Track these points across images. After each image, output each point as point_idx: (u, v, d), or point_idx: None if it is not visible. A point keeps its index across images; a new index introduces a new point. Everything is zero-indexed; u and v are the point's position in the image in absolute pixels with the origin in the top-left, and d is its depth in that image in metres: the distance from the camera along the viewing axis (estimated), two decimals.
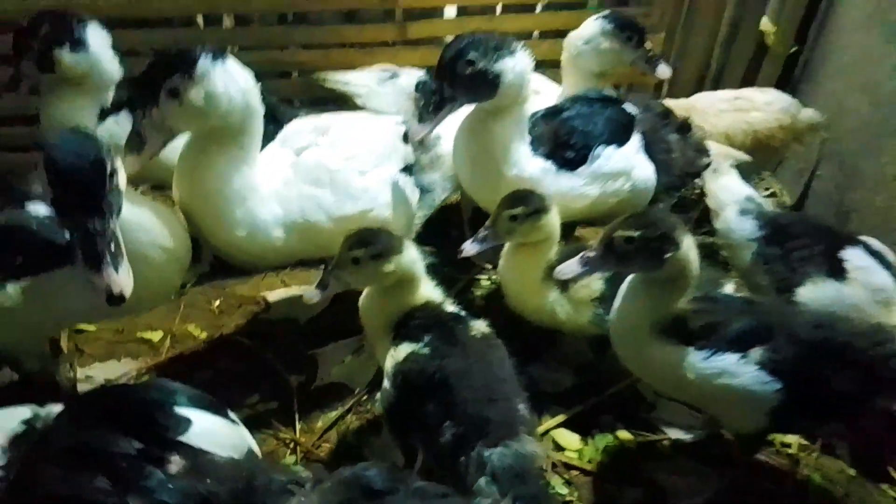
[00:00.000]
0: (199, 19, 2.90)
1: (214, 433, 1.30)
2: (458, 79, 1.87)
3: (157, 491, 1.16)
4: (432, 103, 1.89)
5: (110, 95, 2.24)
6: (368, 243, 1.65)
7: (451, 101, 1.89)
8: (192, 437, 1.27)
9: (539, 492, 1.45)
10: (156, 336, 2.28)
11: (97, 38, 2.14)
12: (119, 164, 1.51)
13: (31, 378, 1.85)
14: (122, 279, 1.43)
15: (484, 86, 1.89)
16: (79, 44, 2.10)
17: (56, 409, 1.36)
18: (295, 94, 2.96)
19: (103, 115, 2.23)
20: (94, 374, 2.12)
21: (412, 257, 1.71)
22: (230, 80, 1.69)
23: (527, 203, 1.87)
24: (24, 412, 1.36)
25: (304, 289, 2.39)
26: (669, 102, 2.70)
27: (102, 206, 1.43)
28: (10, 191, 1.71)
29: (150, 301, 1.79)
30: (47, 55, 2.08)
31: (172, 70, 1.63)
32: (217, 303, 2.43)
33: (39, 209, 1.67)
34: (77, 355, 2.19)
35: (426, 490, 1.27)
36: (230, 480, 1.24)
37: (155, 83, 1.64)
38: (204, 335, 2.30)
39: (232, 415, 1.42)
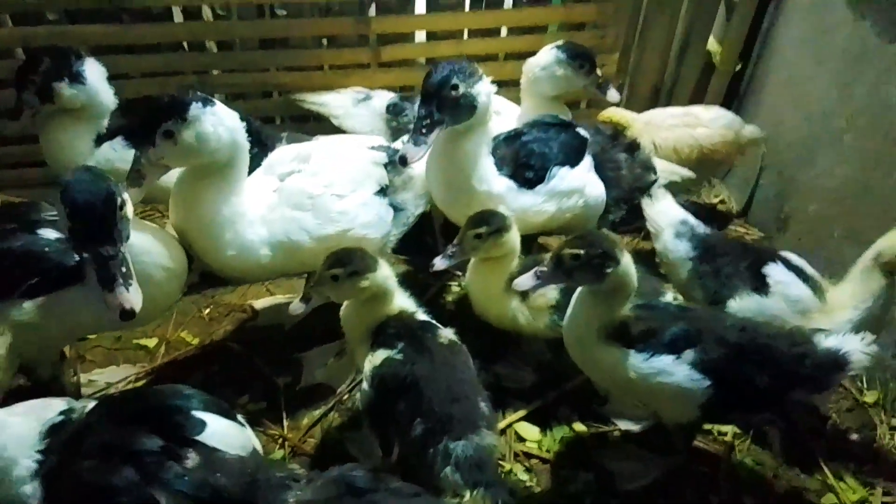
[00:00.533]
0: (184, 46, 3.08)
1: (225, 434, 1.49)
2: (445, 103, 2.05)
3: (175, 482, 1.35)
4: (423, 127, 2.04)
5: (105, 122, 2.42)
6: (345, 263, 1.85)
7: (439, 124, 2.06)
8: (206, 436, 1.45)
9: (495, 478, 1.65)
10: (151, 343, 2.47)
11: (94, 72, 2.32)
12: (126, 195, 1.71)
13: (41, 384, 2.03)
14: (133, 297, 1.64)
15: (465, 108, 2.09)
16: (77, 78, 2.28)
17: (90, 403, 1.54)
18: (276, 112, 3.15)
19: (99, 140, 2.41)
20: (96, 378, 2.30)
21: (385, 274, 1.91)
22: (218, 122, 1.89)
23: (489, 223, 2.08)
24: (60, 404, 1.53)
25: (288, 297, 2.64)
26: (627, 114, 2.94)
27: (114, 234, 1.64)
28: (22, 218, 1.88)
29: (153, 314, 1.99)
30: (48, 88, 2.26)
31: (167, 115, 1.83)
32: (207, 311, 2.62)
33: (49, 234, 1.85)
34: (79, 361, 2.38)
35: (402, 489, 1.49)
36: (237, 475, 1.42)
37: (151, 127, 1.83)
38: (196, 341, 2.49)
39: (240, 418, 1.61)
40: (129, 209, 1.71)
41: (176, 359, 2.41)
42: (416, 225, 2.45)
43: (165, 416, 1.46)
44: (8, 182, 3.06)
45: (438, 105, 2.05)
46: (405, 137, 2.20)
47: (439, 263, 2.12)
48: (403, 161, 2.04)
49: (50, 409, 1.51)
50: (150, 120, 1.83)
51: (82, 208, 1.61)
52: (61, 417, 1.48)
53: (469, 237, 2.08)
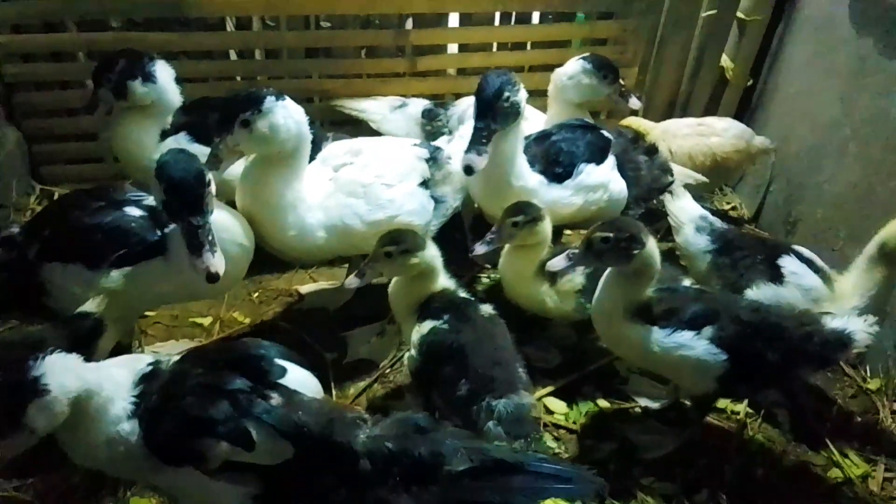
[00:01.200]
0: (233, 53, 3.30)
1: (301, 380, 1.68)
2: (498, 112, 2.25)
3: (264, 416, 1.53)
4: (483, 137, 2.22)
5: (170, 119, 2.64)
6: (398, 241, 2.06)
7: (494, 132, 2.26)
8: (286, 381, 1.64)
9: (532, 431, 1.86)
10: (206, 321, 2.67)
11: (164, 73, 2.55)
12: (210, 175, 1.93)
13: (116, 351, 2.22)
14: (218, 262, 1.86)
15: (512, 115, 2.30)
16: (149, 77, 2.51)
17: (174, 357, 1.72)
18: (317, 117, 3.35)
19: (164, 135, 2.62)
20: (157, 350, 2.47)
21: (433, 253, 2.12)
22: (288, 115, 2.12)
23: (526, 212, 2.28)
24: (148, 357, 1.71)
25: (331, 283, 2.83)
26: (645, 122, 3.15)
27: (202, 206, 1.86)
28: (110, 197, 2.10)
29: (226, 286, 2.20)
30: (122, 86, 2.48)
31: (245, 107, 2.06)
32: (256, 294, 2.83)
33: (134, 211, 2.07)
34: (142, 335, 2.58)
35: (457, 432, 1.68)
36: (316, 413, 1.58)
37: (230, 116, 2.06)
38: (248, 320, 2.69)
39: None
40: (213, 187, 1.93)
41: (230, 335, 2.60)
42: (447, 223, 2.65)
43: (250, 362, 1.65)
44: (65, 177, 3.27)
45: (493, 115, 2.24)
46: (453, 145, 2.40)
47: (479, 248, 2.32)
48: (469, 171, 2.23)
49: (141, 361, 1.69)
50: (229, 110, 2.06)
51: (177, 183, 1.83)
52: (151, 367, 1.66)
53: (507, 225, 2.28)
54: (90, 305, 1.90)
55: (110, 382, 1.58)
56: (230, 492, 1.56)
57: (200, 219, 1.86)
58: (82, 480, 2.02)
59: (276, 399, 1.58)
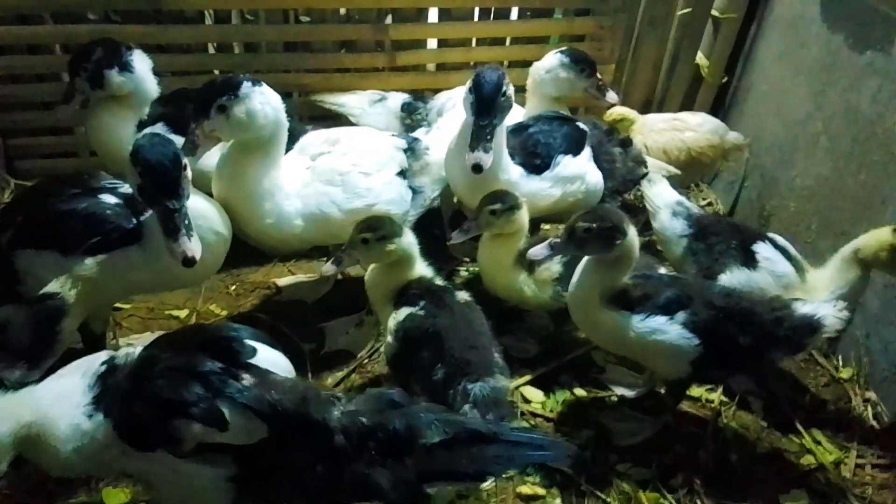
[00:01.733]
0: (212, 47, 3.30)
1: (273, 360, 1.68)
2: (498, 108, 2.25)
3: (236, 395, 1.52)
4: (487, 134, 2.21)
5: (147, 110, 2.63)
6: (375, 228, 2.07)
7: (495, 127, 2.26)
8: (258, 361, 1.63)
9: (508, 413, 1.87)
10: (182, 314, 2.66)
11: (141, 63, 2.54)
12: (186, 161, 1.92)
13: (90, 341, 2.20)
14: (195, 246, 1.86)
15: (507, 108, 2.32)
16: (126, 67, 2.49)
17: (133, 348, 1.69)
18: (296, 112, 3.35)
19: (141, 126, 2.60)
20: (133, 342, 2.43)
21: (410, 240, 2.12)
22: (265, 101, 2.12)
23: (504, 200, 2.29)
24: (102, 356, 1.69)
25: (308, 276, 2.83)
26: (631, 111, 3.18)
27: (179, 190, 1.85)
28: (85, 183, 2.08)
29: (203, 275, 2.19)
30: (99, 75, 2.47)
31: (222, 92, 2.06)
32: (233, 287, 2.82)
33: (110, 199, 2.05)
34: (117, 328, 2.56)
35: (430, 406, 1.69)
36: (289, 392, 1.57)
37: (207, 101, 2.06)
38: (224, 313, 2.68)
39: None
40: (189, 172, 1.92)
41: None
42: (426, 217, 2.66)
43: (221, 344, 1.64)
44: (41, 172, 3.23)
45: (494, 111, 2.24)
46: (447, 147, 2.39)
47: (456, 237, 2.34)
48: (478, 169, 2.21)
49: (94, 361, 1.66)
50: (206, 96, 2.06)
51: (154, 165, 1.82)
52: (106, 366, 1.63)
53: (485, 213, 2.29)
54: (54, 285, 1.87)
55: (53, 400, 1.56)
56: (205, 473, 1.55)
57: (177, 202, 1.85)
58: None
59: (247, 379, 1.57)
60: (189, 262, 1.84)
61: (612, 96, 2.94)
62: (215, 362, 1.57)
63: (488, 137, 2.23)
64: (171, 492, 1.61)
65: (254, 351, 1.65)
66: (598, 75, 2.91)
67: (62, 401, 1.57)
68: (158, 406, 1.53)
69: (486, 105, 2.23)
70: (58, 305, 1.84)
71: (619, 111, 3.18)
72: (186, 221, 1.86)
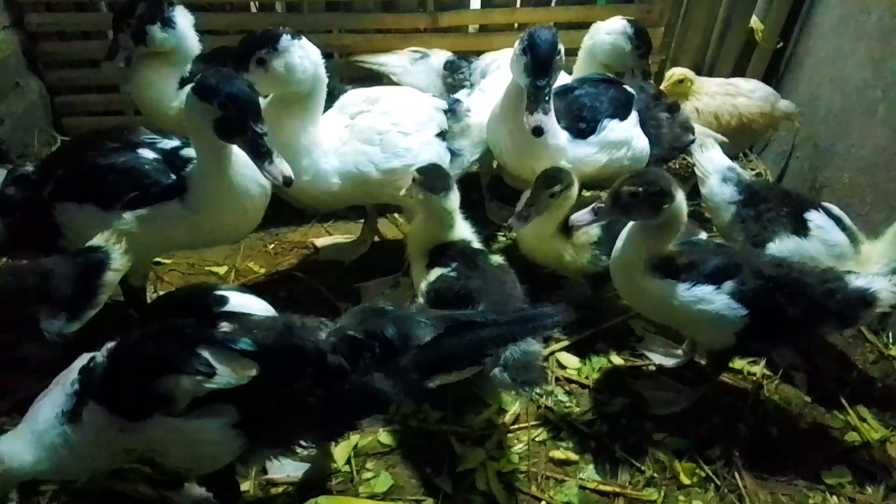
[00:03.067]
0: (254, 6, 3.28)
1: (248, 304, 1.68)
2: (554, 69, 2.20)
3: (218, 339, 1.51)
4: (546, 96, 2.16)
5: (188, 67, 2.63)
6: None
7: (552, 88, 2.21)
8: (233, 307, 1.63)
9: (538, 377, 1.82)
10: (222, 270, 2.69)
11: (183, 19, 2.54)
12: None
13: (130, 294, 2.23)
14: (288, 168, 1.87)
15: (560, 69, 2.26)
16: (168, 23, 2.50)
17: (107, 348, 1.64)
18: (337, 73, 3.33)
19: (183, 83, 2.61)
20: None
21: (453, 198, 2.08)
22: (305, 55, 2.10)
23: (561, 180, 2.23)
24: (80, 361, 1.65)
25: (346, 237, 2.83)
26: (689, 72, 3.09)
27: (258, 112, 1.85)
28: (124, 138, 2.09)
29: (246, 230, 2.19)
30: (142, 31, 2.47)
31: (261, 44, 2.05)
32: (272, 246, 2.83)
33: (149, 154, 2.06)
34: (158, 282, 2.59)
35: (420, 309, 1.69)
36: (269, 327, 1.57)
37: (246, 54, 2.05)
38: (263, 270, 2.70)
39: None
40: None
41: (245, 284, 2.60)
42: (464, 181, 2.61)
43: (190, 303, 1.65)
44: (87, 129, 3.27)
45: (551, 72, 2.19)
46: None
47: (517, 225, 2.29)
48: (539, 132, 2.16)
49: (72, 371, 1.64)
50: (245, 48, 2.05)
51: (236, 94, 1.82)
52: (85, 364, 1.63)
53: (544, 197, 2.23)
54: (99, 239, 1.90)
55: (27, 436, 1.57)
56: (208, 426, 1.54)
57: (263, 125, 1.85)
58: None
59: (224, 325, 1.56)
60: (288, 181, 1.85)
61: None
62: (186, 319, 1.57)
63: (546, 99, 2.17)
64: (180, 455, 1.60)
65: (224, 298, 1.64)
66: (649, 62, 2.84)
67: (38, 426, 1.58)
68: (142, 370, 1.53)
69: (544, 65, 2.17)
70: (101, 258, 1.88)
71: (681, 71, 3.08)
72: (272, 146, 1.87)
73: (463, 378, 1.69)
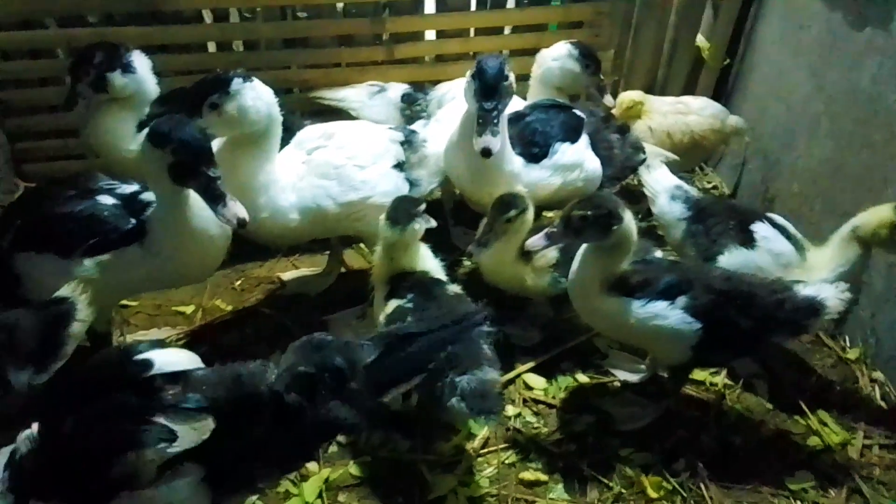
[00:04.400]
0: (212, 46, 3.32)
1: (176, 360, 1.61)
2: (502, 93, 2.24)
3: (171, 404, 1.47)
4: (494, 119, 2.20)
5: (146, 110, 2.64)
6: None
7: (501, 113, 2.25)
8: (160, 369, 1.55)
9: (495, 405, 1.80)
10: (188, 309, 2.69)
11: (141, 63, 2.57)
12: None
13: (96, 340, 2.23)
14: (242, 210, 1.91)
15: (510, 94, 2.31)
16: (128, 68, 2.52)
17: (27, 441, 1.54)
18: (297, 107, 3.37)
19: (141, 126, 2.62)
20: (140, 338, 2.47)
21: (416, 228, 2.10)
22: (257, 96, 2.14)
23: (517, 205, 2.28)
24: (3, 453, 1.56)
25: (312, 270, 2.85)
26: (638, 94, 3.18)
27: (213, 158, 1.90)
28: (81, 185, 2.11)
29: (208, 271, 2.21)
30: (102, 78, 2.49)
31: (213, 89, 2.08)
32: (238, 283, 2.84)
33: (107, 200, 2.07)
34: (124, 325, 2.60)
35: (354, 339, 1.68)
36: (216, 380, 1.55)
37: (199, 99, 2.08)
38: (230, 307, 2.70)
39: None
40: None
41: (212, 322, 2.62)
42: (427, 209, 2.66)
43: (115, 372, 1.57)
44: (48, 174, 3.26)
45: (498, 95, 2.23)
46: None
47: (477, 252, 2.31)
48: (488, 153, 2.19)
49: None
50: (198, 93, 2.08)
51: (188, 140, 1.86)
52: (8, 474, 1.53)
53: (501, 222, 2.28)
54: (65, 290, 1.90)
55: None
56: (177, 488, 1.51)
57: (216, 170, 1.89)
58: None
59: (171, 389, 1.53)
60: (242, 223, 1.90)
61: (608, 99, 2.97)
62: (126, 394, 1.53)
63: (495, 122, 2.22)
64: None
65: (149, 363, 1.57)
66: (602, 76, 2.91)
67: None
68: (95, 455, 1.48)
69: (491, 89, 2.22)
70: (67, 310, 1.86)
71: (630, 97, 3.16)
72: (224, 189, 1.91)
73: (412, 387, 1.70)
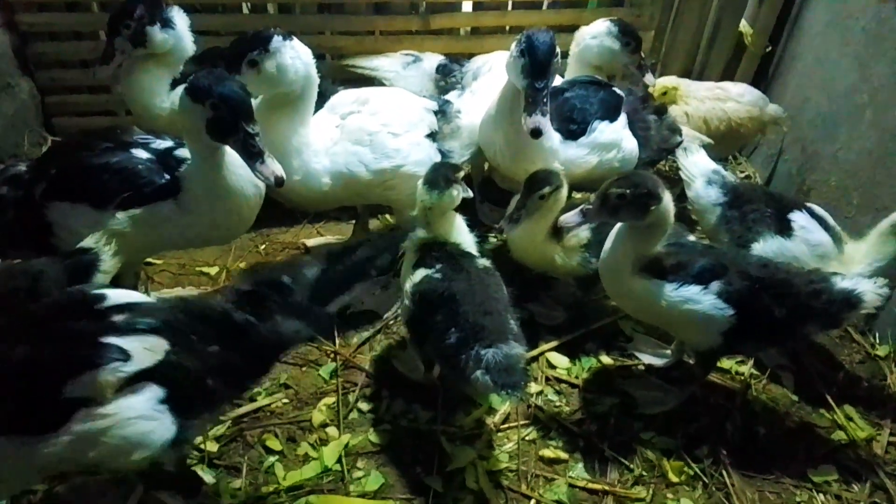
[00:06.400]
0: (246, 7, 3.28)
1: (128, 294, 1.67)
2: (551, 70, 2.20)
3: (123, 327, 1.52)
4: (544, 98, 2.15)
5: (181, 68, 2.63)
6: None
7: (549, 90, 2.21)
8: (115, 300, 1.60)
9: (519, 380, 1.75)
10: (213, 270, 2.68)
11: (181, 20, 2.55)
12: None
13: None
14: (279, 168, 1.90)
15: (556, 72, 2.27)
16: (168, 23, 2.50)
17: None
18: (329, 75, 3.34)
19: (174, 84, 2.62)
20: (166, 296, 2.47)
21: (453, 195, 2.04)
22: (296, 56, 2.12)
23: (551, 182, 2.24)
24: None
25: (336, 238, 2.84)
26: (675, 79, 3.11)
27: (250, 112, 1.87)
28: (117, 138, 2.10)
29: (239, 230, 2.19)
30: (142, 33, 2.47)
31: (253, 46, 2.06)
32: (263, 247, 2.83)
33: (142, 154, 2.06)
34: (149, 282, 2.60)
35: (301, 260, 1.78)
36: (167, 308, 1.61)
37: (238, 56, 2.07)
38: None
39: None
40: None
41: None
42: None
43: (70, 304, 1.63)
44: (77, 129, 3.28)
45: (549, 74, 2.19)
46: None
47: (508, 228, 2.30)
48: (538, 134, 2.16)
49: None
50: (237, 50, 2.06)
51: (229, 95, 1.84)
52: None
53: (534, 199, 2.24)
54: (90, 241, 1.89)
55: None
56: (135, 404, 1.51)
57: (255, 126, 1.87)
58: None
59: (119, 316, 1.56)
60: (280, 181, 1.88)
61: (649, 78, 2.89)
62: (79, 322, 1.56)
63: (544, 101, 2.17)
64: (108, 446, 1.51)
65: (102, 296, 1.62)
66: (642, 54, 2.85)
67: None
68: (46, 380, 1.48)
69: (543, 67, 2.17)
70: (90, 260, 1.87)
71: (664, 82, 3.10)
72: (262, 146, 1.89)
73: (356, 298, 1.81)
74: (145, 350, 1.52)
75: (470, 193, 2.10)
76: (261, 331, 1.62)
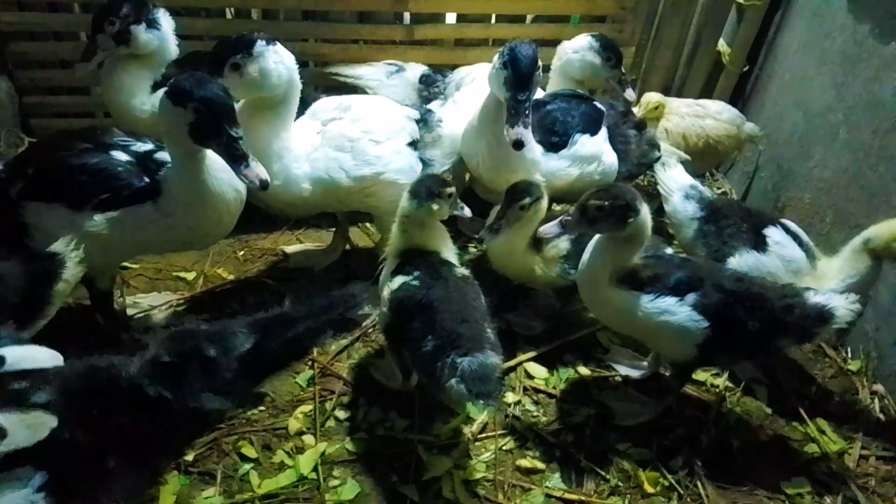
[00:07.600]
0: (229, 12, 3.28)
1: (35, 356, 1.50)
2: (534, 83, 2.22)
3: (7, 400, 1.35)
4: (526, 110, 2.17)
5: (162, 71, 2.61)
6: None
7: (531, 103, 2.23)
8: (12, 365, 1.44)
9: (494, 389, 1.73)
10: (190, 276, 2.66)
11: (167, 22, 2.53)
12: None
13: (97, 297, 2.21)
14: (264, 171, 1.87)
15: (539, 84, 2.28)
16: (153, 24, 2.48)
17: None
18: (311, 82, 3.34)
19: (155, 86, 2.59)
20: (140, 301, 2.49)
21: (435, 209, 2.04)
22: (279, 60, 2.12)
23: (531, 193, 2.25)
24: None
25: (316, 245, 2.83)
26: (660, 96, 3.15)
27: (233, 115, 1.85)
28: (96, 139, 2.06)
29: (219, 235, 2.17)
30: (126, 31, 2.45)
31: (236, 49, 2.06)
32: (241, 253, 2.82)
33: (121, 156, 2.03)
34: (124, 286, 2.56)
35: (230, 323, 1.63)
36: (66, 374, 1.46)
37: (221, 59, 2.06)
38: (232, 277, 2.68)
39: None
40: None
41: (213, 289, 2.59)
42: None
43: None
44: (55, 130, 3.23)
45: (532, 86, 2.21)
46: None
47: (488, 238, 2.30)
48: (520, 145, 2.18)
49: None
50: (220, 53, 2.05)
51: (211, 98, 1.82)
52: None
53: (515, 209, 2.25)
54: (59, 245, 1.85)
55: None
56: (8, 497, 1.36)
57: (238, 129, 1.85)
58: None
59: (16, 384, 1.42)
60: (265, 184, 1.86)
61: (630, 93, 2.92)
62: None
63: (527, 113, 2.19)
64: None
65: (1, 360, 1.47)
66: (623, 69, 2.89)
67: None
68: None
69: (525, 79, 2.19)
70: (54, 267, 1.81)
71: (657, 98, 3.14)
72: (247, 149, 1.87)
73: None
74: (25, 427, 1.36)
75: (466, 212, 2.12)
76: (180, 405, 1.49)
